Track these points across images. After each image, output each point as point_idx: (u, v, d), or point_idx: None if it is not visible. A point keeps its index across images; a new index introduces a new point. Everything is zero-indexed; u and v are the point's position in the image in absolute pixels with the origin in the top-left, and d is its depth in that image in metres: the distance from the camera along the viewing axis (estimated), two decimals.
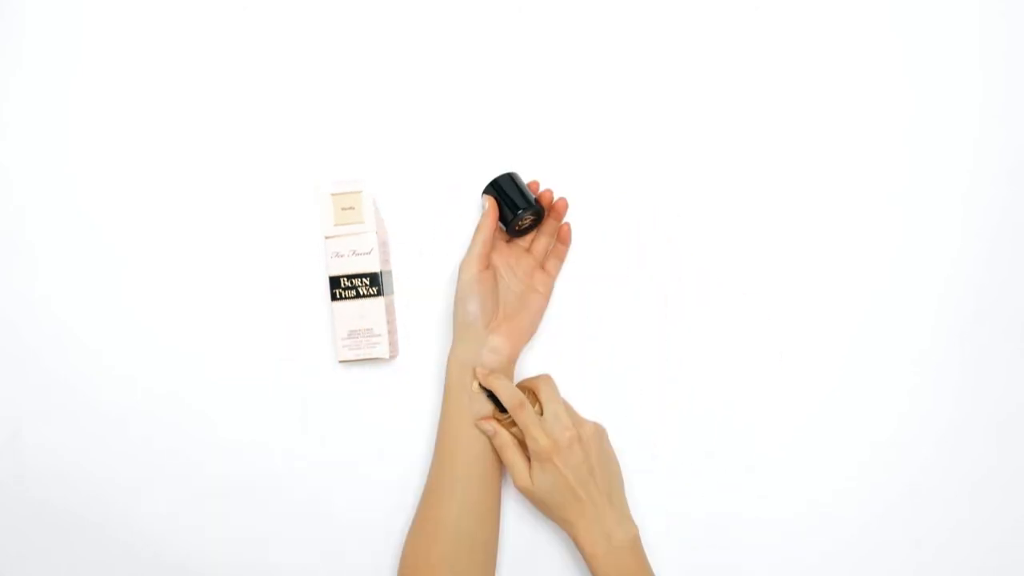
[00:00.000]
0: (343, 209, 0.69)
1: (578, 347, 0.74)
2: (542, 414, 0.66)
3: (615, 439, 0.73)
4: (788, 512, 0.73)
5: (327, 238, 0.70)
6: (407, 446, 0.74)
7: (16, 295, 0.75)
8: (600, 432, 0.68)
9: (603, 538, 0.64)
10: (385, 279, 0.71)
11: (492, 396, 0.67)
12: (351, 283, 0.70)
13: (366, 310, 0.70)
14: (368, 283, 0.70)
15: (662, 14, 0.74)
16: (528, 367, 0.74)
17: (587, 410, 0.73)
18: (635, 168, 0.74)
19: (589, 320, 0.74)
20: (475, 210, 0.73)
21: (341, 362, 0.71)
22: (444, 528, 0.66)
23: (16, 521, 0.75)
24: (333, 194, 0.70)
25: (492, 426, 0.67)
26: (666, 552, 0.73)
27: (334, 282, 0.70)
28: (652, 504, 0.73)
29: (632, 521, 0.67)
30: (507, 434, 0.67)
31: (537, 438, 0.64)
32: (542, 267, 0.72)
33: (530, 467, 0.66)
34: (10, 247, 0.75)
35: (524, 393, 0.67)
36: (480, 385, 0.67)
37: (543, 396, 0.67)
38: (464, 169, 0.73)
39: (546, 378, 0.69)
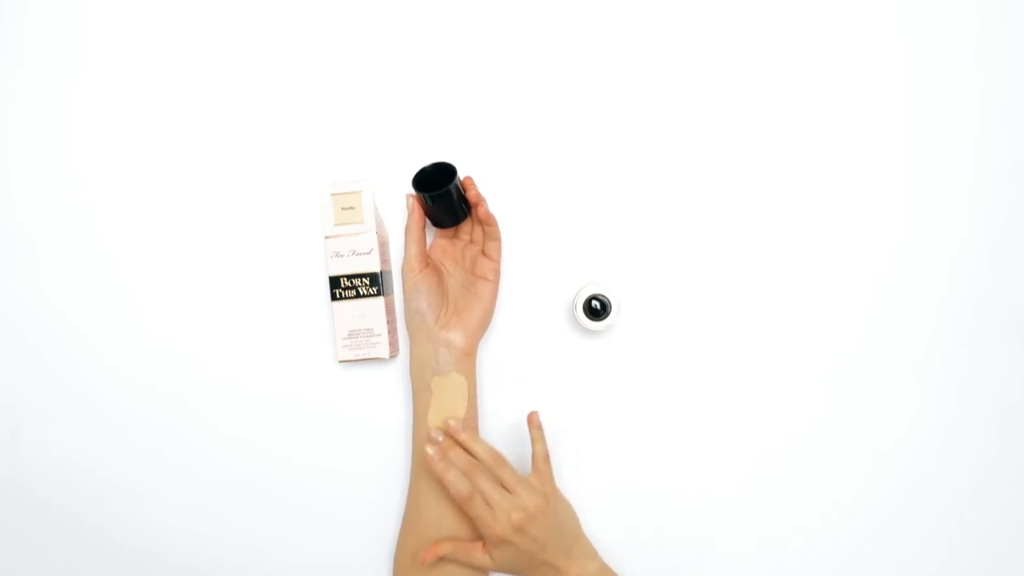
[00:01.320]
0: (343, 209, 0.69)
1: (572, 351, 0.74)
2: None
3: (611, 449, 0.73)
4: (788, 515, 0.73)
5: (327, 238, 0.70)
6: (406, 446, 0.74)
7: (17, 295, 0.75)
8: (550, 499, 0.66)
9: None
10: (385, 279, 0.71)
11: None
12: (351, 283, 0.70)
13: (366, 310, 0.70)
14: (368, 283, 0.70)
15: (664, 15, 0.74)
16: (532, 370, 0.74)
17: (583, 411, 0.73)
18: (636, 169, 0.74)
19: (578, 323, 0.74)
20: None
21: (341, 362, 0.71)
22: (427, 526, 0.68)
23: (16, 521, 0.75)
24: (333, 194, 0.70)
25: (433, 557, 0.66)
26: (669, 555, 0.73)
27: (334, 282, 0.70)
28: (652, 510, 0.73)
29: (594, 556, 0.68)
30: (448, 545, 0.66)
31: (487, 528, 0.64)
32: (483, 253, 0.70)
33: (485, 549, 0.66)
34: (12, 247, 0.75)
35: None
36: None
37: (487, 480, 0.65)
38: (464, 169, 0.73)
39: (490, 456, 0.67)
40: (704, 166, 0.73)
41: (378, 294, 0.70)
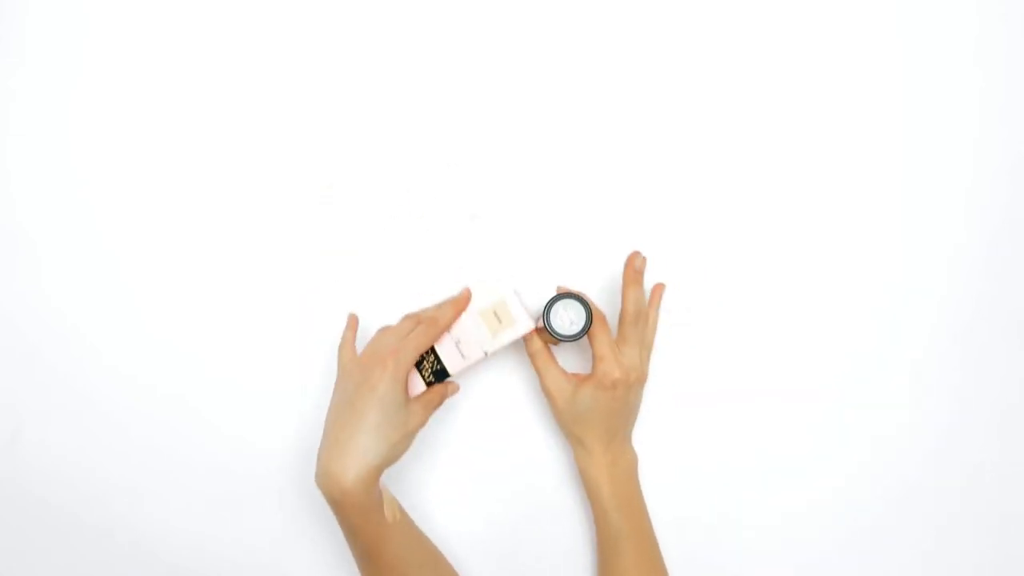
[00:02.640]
0: (494, 313, 0.67)
1: (573, 350, 0.74)
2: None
3: None
4: (788, 512, 0.73)
5: (458, 318, 0.67)
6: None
7: (17, 295, 0.75)
8: (643, 380, 0.70)
9: (609, 465, 0.68)
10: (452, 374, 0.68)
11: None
12: (430, 363, 0.67)
13: (413, 386, 0.67)
14: (436, 371, 0.67)
15: (664, 15, 0.74)
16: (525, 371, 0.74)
17: None
18: (636, 170, 0.74)
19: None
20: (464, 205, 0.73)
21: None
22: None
23: (16, 521, 0.75)
24: (502, 299, 0.67)
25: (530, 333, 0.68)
26: (668, 552, 0.73)
27: (426, 352, 0.66)
28: (653, 505, 0.73)
29: (633, 449, 0.71)
30: (539, 341, 0.68)
31: (613, 367, 0.65)
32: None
33: (572, 381, 0.67)
34: (12, 246, 0.75)
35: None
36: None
37: (625, 331, 0.68)
38: (461, 170, 0.73)
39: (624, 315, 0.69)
40: (704, 167, 0.73)
41: (430, 384, 0.67)
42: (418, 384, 0.66)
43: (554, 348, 0.71)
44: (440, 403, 0.67)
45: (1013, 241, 0.73)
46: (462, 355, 0.67)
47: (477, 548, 0.73)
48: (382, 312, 0.73)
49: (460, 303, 0.67)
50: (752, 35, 0.73)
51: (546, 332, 0.66)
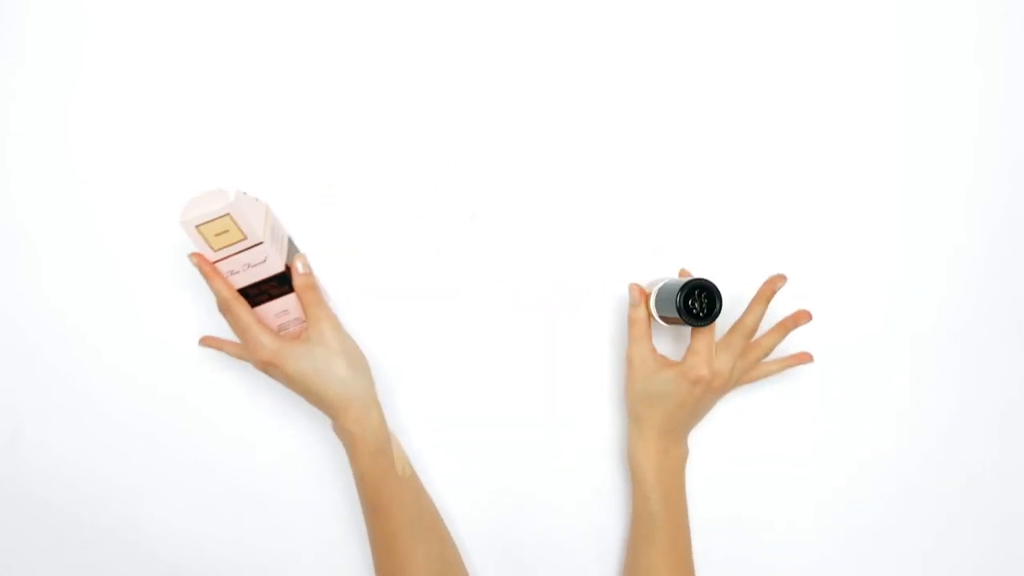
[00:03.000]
0: (217, 235, 0.62)
1: (576, 343, 0.74)
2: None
3: (612, 447, 0.73)
4: (788, 512, 0.73)
5: (216, 263, 0.63)
6: (408, 445, 0.74)
7: (17, 294, 0.75)
8: (727, 387, 0.69)
9: (660, 453, 0.68)
10: (290, 256, 0.67)
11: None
12: (260, 289, 0.66)
13: (285, 305, 0.67)
14: (276, 284, 0.66)
15: (658, 17, 0.74)
16: (518, 372, 0.74)
17: (586, 406, 0.73)
18: (629, 172, 0.74)
19: (584, 319, 0.74)
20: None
21: None
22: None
23: (16, 521, 0.75)
24: (199, 227, 0.60)
25: (637, 295, 0.67)
26: None
27: (244, 292, 0.65)
28: None
29: (687, 446, 0.70)
30: (646, 310, 0.68)
31: (702, 364, 0.65)
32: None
33: (658, 360, 0.67)
34: (12, 246, 0.75)
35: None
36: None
37: (732, 339, 0.67)
38: (459, 163, 0.73)
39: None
40: (703, 167, 0.73)
41: (289, 290, 0.66)
42: (274, 314, 0.67)
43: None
44: (310, 288, 0.65)
45: (1013, 241, 0.73)
46: (254, 264, 0.63)
47: (480, 525, 0.73)
48: (381, 312, 0.73)
49: (206, 270, 0.63)
50: (751, 36, 0.73)
51: (660, 308, 0.65)
